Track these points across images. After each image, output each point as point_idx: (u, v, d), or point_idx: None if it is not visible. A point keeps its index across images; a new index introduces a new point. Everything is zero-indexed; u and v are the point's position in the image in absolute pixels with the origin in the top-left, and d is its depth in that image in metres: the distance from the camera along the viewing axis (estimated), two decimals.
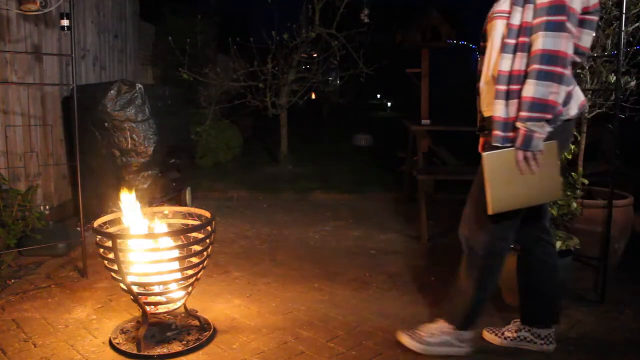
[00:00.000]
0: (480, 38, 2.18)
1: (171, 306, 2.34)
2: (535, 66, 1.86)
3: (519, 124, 1.92)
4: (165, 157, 4.22)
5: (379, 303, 2.80)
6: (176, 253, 2.24)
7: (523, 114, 1.89)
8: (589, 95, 3.05)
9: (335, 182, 6.10)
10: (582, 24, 2.01)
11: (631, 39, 2.93)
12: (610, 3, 2.89)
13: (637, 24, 2.89)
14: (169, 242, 2.29)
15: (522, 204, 2.03)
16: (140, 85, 4.08)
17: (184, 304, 2.42)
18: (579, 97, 2.09)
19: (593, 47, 3.00)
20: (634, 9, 2.87)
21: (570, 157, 2.71)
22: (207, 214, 2.43)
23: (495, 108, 2.01)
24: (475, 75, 2.22)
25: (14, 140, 3.70)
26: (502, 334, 2.35)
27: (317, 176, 6.50)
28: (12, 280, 3.07)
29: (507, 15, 2.00)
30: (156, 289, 2.29)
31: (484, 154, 1.98)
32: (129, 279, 2.18)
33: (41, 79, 4.04)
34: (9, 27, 3.63)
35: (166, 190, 4.25)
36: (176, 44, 6.34)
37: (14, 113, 3.71)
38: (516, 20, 1.95)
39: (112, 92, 3.98)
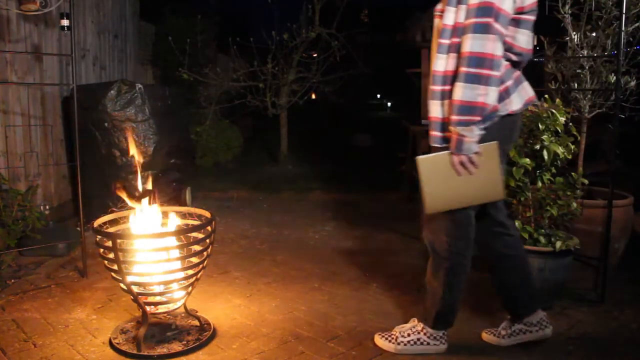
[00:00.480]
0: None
1: (171, 306, 2.34)
2: (463, 69, 1.87)
3: (451, 128, 1.93)
4: (165, 157, 4.22)
5: (379, 303, 2.80)
6: (176, 253, 2.24)
7: (453, 117, 1.90)
8: (589, 95, 3.05)
9: (335, 182, 6.10)
10: (517, 23, 2.01)
11: (631, 39, 2.93)
12: (610, 3, 2.90)
13: (637, 24, 2.89)
14: (169, 242, 2.29)
15: (461, 204, 2.05)
16: (140, 85, 4.08)
17: (184, 304, 2.42)
18: (526, 93, 2.10)
19: (593, 47, 3.00)
20: (634, 9, 2.87)
21: (570, 157, 2.71)
22: (207, 214, 2.43)
23: (431, 109, 2.04)
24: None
25: (14, 140, 3.70)
26: (499, 333, 2.35)
27: (317, 176, 6.50)
28: (12, 280, 3.07)
29: (441, 14, 2.02)
30: (156, 289, 2.29)
31: (418, 158, 2.00)
32: (129, 279, 2.18)
33: (41, 79, 4.04)
34: (9, 27, 3.64)
35: (166, 190, 4.25)
36: (176, 44, 6.34)
37: (14, 113, 3.71)
38: (449, 20, 1.96)
39: (112, 92, 3.98)
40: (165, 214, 2.46)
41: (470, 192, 2.01)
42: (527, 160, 2.63)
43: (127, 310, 2.66)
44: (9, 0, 3.43)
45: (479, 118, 1.87)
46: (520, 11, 1.98)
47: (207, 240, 2.30)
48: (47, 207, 3.64)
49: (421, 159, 1.99)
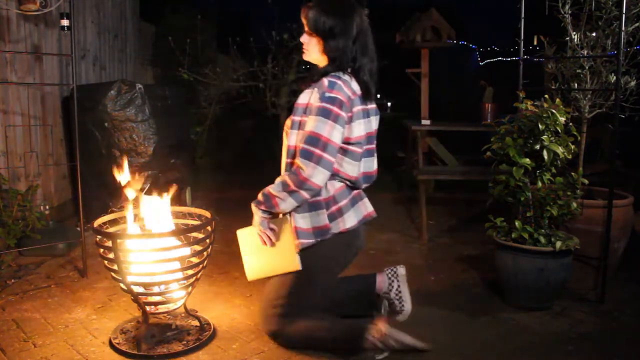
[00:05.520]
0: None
1: (171, 306, 2.34)
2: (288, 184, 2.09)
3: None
4: (165, 157, 4.22)
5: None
6: (176, 253, 2.24)
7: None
8: (589, 95, 3.05)
9: None
10: (345, 152, 2.12)
11: (631, 39, 2.93)
12: (610, 3, 2.90)
13: (637, 24, 2.90)
14: (169, 242, 2.29)
15: (272, 273, 2.24)
16: (140, 85, 4.08)
17: (184, 304, 2.42)
18: (365, 209, 2.26)
19: (593, 47, 3.00)
20: (634, 9, 2.87)
21: (570, 157, 2.71)
22: (207, 214, 2.43)
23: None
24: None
25: (14, 140, 3.70)
26: None
27: None
28: (12, 280, 3.07)
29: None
30: (156, 289, 2.29)
31: (237, 231, 2.29)
32: (129, 279, 2.18)
33: (41, 79, 4.04)
34: (9, 27, 3.63)
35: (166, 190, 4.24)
36: (176, 44, 6.34)
37: (14, 113, 3.71)
38: (291, 142, 2.15)
39: (112, 92, 3.98)
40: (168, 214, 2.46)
41: (274, 262, 2.20)
42: (527, 160, 2.63)
43: (127, 310, 2.66)
44: (9, 0, 3.43)
45: (263, 207, 2.13)
46: (347, 141, 2.10)
47: (207, 240, 2.30)
48: (47, 207, 3.63)
49: (239, 231, 2.29)
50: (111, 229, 2.30)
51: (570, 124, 2.78)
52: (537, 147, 2.64)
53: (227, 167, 7.02)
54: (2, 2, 3.34)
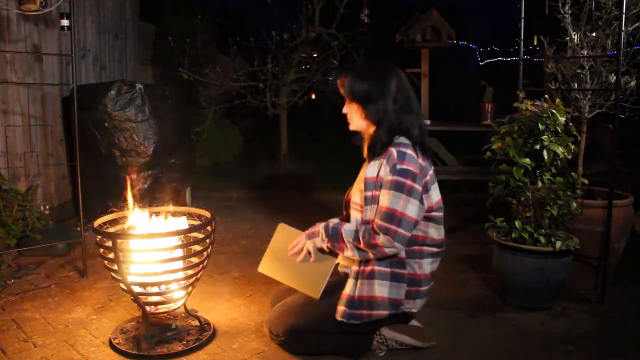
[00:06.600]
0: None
1: (171, 306, 2.34)
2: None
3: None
4: (165, 157, 4.22)
5: None
6: (176, 253, 2.24)
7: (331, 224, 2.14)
8: (589, 95, 3.05)
9: (335, 182, 6.08)
10: (428, 219, 2.11)
11: (631, 39, 2.93)
12: (610, 3, 2.90)
13: (637, 24, 2.90)
14: (169, 242, 2.29)
15: (284, 280, 2.27)
16: (140, 85, 4.08)
17: (184, 304, 2.42)
18: (423, 300, 2.20)
19: (593, 47, 3.01)
20: (634, 9, 2.87)
21: (570, 157, 2.71)
22: (207, 214, 2.43)
23: None
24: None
25: (14, 140, 3.70)
26: None
27: (317, 176, 6.50)
28: (12, 280, 3.07)
29: (361, 209, 2.15)
30: (156, 289, 2.29)
31: (281, 224, 2.31)
32: (129, 279, 2.18)
33: (41, 79, 4.04)
34: (9, 27, 3.64)
35: (166, 190, 4.25)
36: (176, 44, 6.34)
37: (14, 113, 3.71)
38: (368, 216, 2.09)
39: (112, 92, 3.98)
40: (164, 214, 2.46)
41: (292, 274, 2.23)
42: (527, 160, 2.63)
43: (127, 310, 2.66)
44: (9, 0, 3.43)
45: (326, 240, 2.10)
46: (430, 209, 2.09)
47: (207, 240, 2.30)
48: (47, 207, 3.64)
49: (282, 225, 2.31)
50: (111, 229, 2.30)
51: (570, 124, 2.78)
52: (537, 147, 2.64)
53: (227, 167, 7.02)
54: (2, 2, 3.33)
